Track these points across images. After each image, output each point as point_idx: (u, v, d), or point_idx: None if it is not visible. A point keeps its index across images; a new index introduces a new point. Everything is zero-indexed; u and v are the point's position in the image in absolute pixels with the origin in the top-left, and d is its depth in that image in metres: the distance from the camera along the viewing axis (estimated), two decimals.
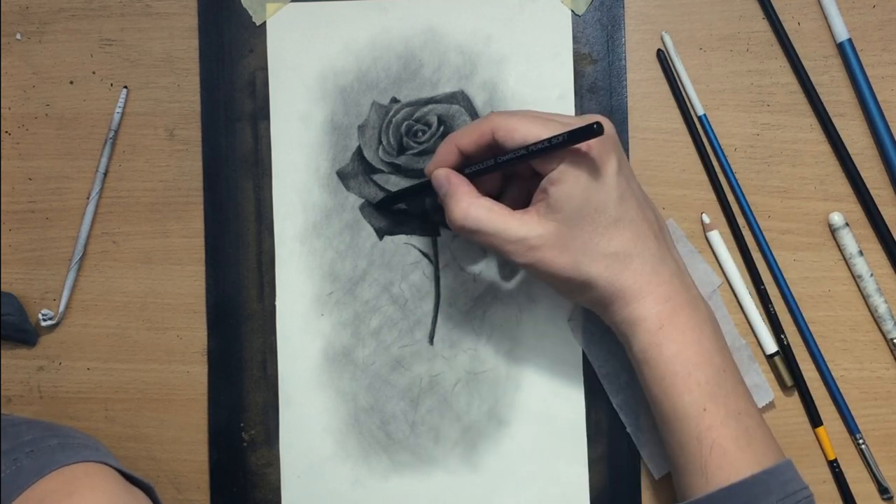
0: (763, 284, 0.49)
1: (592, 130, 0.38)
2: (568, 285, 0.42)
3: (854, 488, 0.49)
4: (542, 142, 0.40)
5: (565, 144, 0.39)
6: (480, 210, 0.42)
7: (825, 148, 0.49)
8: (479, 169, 0.43)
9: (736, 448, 0.41)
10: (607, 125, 0.41)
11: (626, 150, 0.49)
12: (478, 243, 0.43)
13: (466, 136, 0.43)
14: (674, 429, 0.42)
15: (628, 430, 0.49)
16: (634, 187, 0.43)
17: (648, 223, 0.42)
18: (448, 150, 0.44)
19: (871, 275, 0.48)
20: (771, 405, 0.49)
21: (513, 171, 0.46)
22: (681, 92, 0.50)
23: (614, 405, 0.49)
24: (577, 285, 0.42)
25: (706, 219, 0.49)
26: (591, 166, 0.40)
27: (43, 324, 0.51)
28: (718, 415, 0.41)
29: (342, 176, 0.51)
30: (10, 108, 0.52)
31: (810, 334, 0.49)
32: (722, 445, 0.41)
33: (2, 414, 0.48)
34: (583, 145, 0.40)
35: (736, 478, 0.40)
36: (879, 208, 0.49)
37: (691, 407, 0.41)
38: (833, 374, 0.49)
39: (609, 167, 0.41)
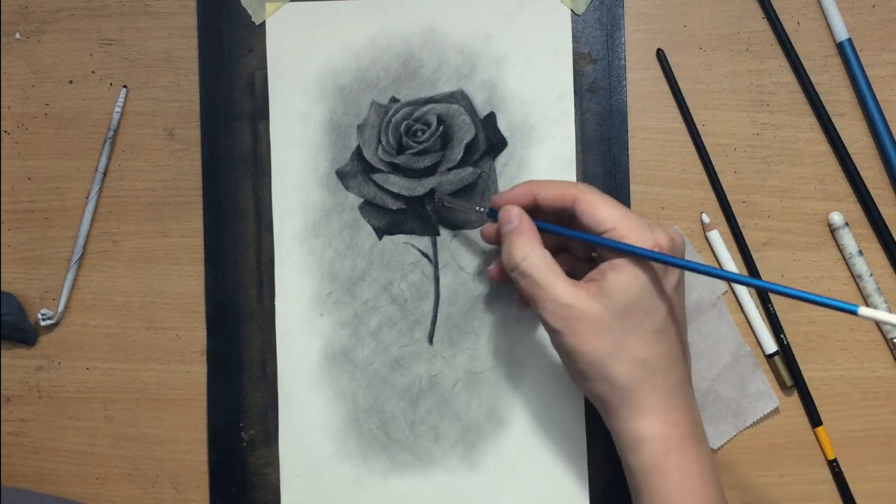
0: None
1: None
2: (585, 371, 0.41)
3: (854, 488, 0.49)
4: (625, 245, 0.40)
5: (644, 256, 0.40)
6: (540, 260, 0.41)
7: (825, 148, 0.49)
8: (550, 229, 0.43)
9: None
10: (683, 246, 0.42)
11: (626, 149, 0.49)
12: (521, 288, 0.42)
13: (549, 190, 0.43)
14: None
15: None
16: (681, 308, 0.43)
17: (681, 346, 0.42)
18: (525, 192, 0.44)
19: (871, 274, 0.48)
20: (774, 410, 0.49)
21: (566, 244, 0.46)
22: (680, 92, 0.50)
23: None
24: (593, 375, 0.41)
25: (706, 219, 0.49)
26: (654, 273, 0.40)
27: (42, 323, 0.51)
28: None
29: (341, 175, 0.51)
30: (9, 108, 0.52)
31: None
32: None
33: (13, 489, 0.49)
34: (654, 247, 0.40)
35: None
36: (879, 208, 0.49)
37: None
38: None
39: (670, 279, 0.41)
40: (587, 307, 0.40)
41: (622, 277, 0.40)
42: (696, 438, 0.42)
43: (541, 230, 0.43)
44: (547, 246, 0.44)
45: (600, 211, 0.41)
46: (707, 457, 0.42)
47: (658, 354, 0.41)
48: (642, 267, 0.40)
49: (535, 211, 0.44)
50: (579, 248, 0.46)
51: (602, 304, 0.40)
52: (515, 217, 0.43)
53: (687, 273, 0.49)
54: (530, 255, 0.42)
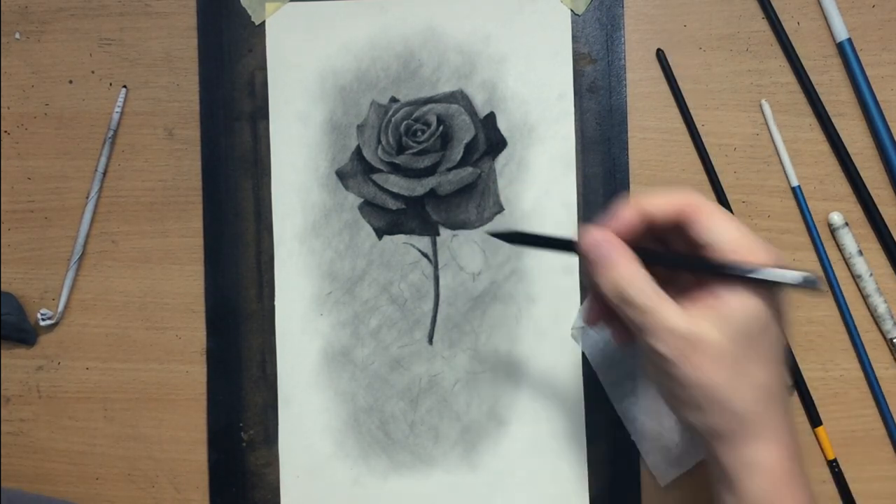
0: None
1: (811, 285, 0.36)
2: (697, 401, 0.37)
3: (854, 488, 0.49)
4: (747, 271, 0.36)
5: (763, 284, 0.36)
6: (646, 283, 0.37)
7: (825, 148, 0.49)
8: (658, 260, 0.39)
9: None
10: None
11: (626, 149, 0.49)
12: (622, 313, 0.38)
13: (659, 200, 0.38)
14: None
15: (633, 437, 0.49)
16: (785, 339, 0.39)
17: (784, 369, 0.39)
18: (629, 212, 0.39)
19: (871, 274, 0.48)
20: None
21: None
22: (680, 92, 0.50)
23: (618, 412, 0.49)
24: (708, 405, 0.37)
25: None
26: (778, 301, 0.37)
27: (42, 323, 0.51)
28: None
29: (341, 175, 0.50)
30: (9, 108, 0.52)
31: None
32: None
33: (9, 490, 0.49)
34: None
35: None
36: (879, 208, 0.49)
37: None
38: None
39: (786, 307, 0.38)
40: (708, 336, 0.36)
41: (743, 300, 0.36)
42: (802, 466, 0.38)
43: (648, 261, 0.38)
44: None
45: (716, 231, 0.37)
46: (808, 484, 0.39)
47: (778, 381, 0.38)
48: (763, 295, 0.36)
49: (649, 229, 0.39)
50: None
51: (721, 330, 0.36)
52: (599, 245, 0.38)
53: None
54: (635, 279, 0.37)
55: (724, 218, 0.37)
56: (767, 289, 0.36)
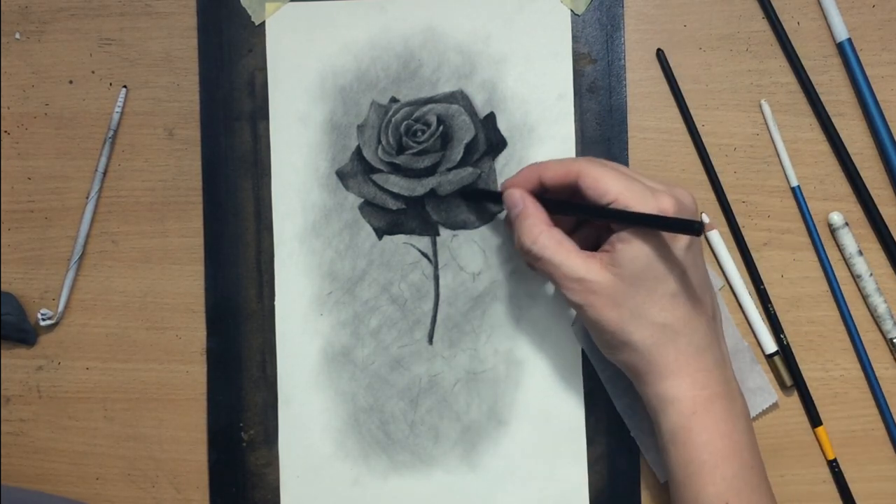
0: (763, 284, 0.49)
1: (692, 228, 0.38)
2: (609, 340, 0.42)
3: (854, 488, 0.49)
4: (631, 213, 0.40)
5: (653, 227, 0.40)
6: (550, 240, 0.42)
7: (825, 148, 0.49)
8: (557, 210, 0.44)
9: None
10: (693, 203, 0.42)
11: (626, 149, 0.49)
12: (537, 270, 0.43)
13: (552, 170, 0.43)
14: None
15: (632, 434, 0.49)
16: (700, 268, 0.43)
17: (703, 307, 0.42)
18: (529, 174, 0.44)
19: (871, 274, 0.48)
20: (773, 405, 0.49)
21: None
22: (680, 92, 0.50)
23: (618, 409, 0.49)
24: (617, 343, 0.42)
25: (706, 219, 0.49)
26: (664, 236, 0.40)
27: (42, 323, 0.51)
28: None
29: (341, 175, 0.50)
30: (9, 108, 0.52)
31: None
32: None
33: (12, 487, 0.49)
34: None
35: None
36: (879, 208, 0.49)
37: (714, 498, 0.40)
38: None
39: (680, 241, 0.41)
40: (601, 279, 0.41)
41: (631, 248, 0.40)
42: (728, 398, 0.42)
43: (552, 210, 0.43)
44: (568, 221, 0.46)
45: (602, 182, 0.41)
46: (739, 416, 0.42)
47: (677, 317, 0.41)
48: (647, 235, 0.40)
49: (544, 192, 0.44)
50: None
51: (614, 273, 0.41)
52: (519, 200, 0.44)
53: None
54: (539, 236, 0.42)
55: (608, 173, 0.41)
56: (651, 231, 0.40)
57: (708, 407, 0.41)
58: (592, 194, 0.41)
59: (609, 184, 0.41)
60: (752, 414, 0.49)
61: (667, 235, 0.40)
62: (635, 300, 0.41)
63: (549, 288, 0.50)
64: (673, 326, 0.41)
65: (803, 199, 0.49)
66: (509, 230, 0.48)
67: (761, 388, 0.49)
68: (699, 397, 0.41)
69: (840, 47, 0.49)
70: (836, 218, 0.49)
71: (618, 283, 0.41)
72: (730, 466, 0.41)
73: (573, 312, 0.50)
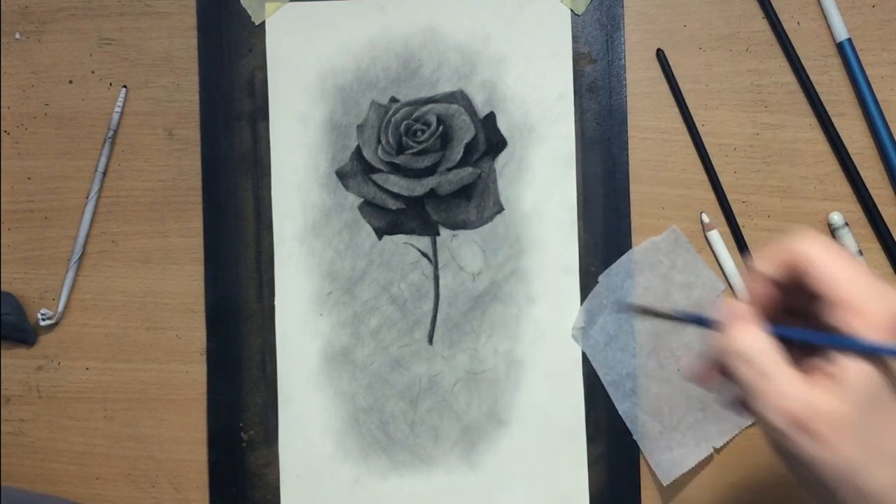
0: None
1: None
2: (828, 481, 0.33)
3: None
4: (865, 347, 0.32)
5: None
6: (768, 345, 0.33)
7: (825, 148, 0.49)
8: (789, 333, 0.34)
9: None
10: None
11: (626, 149, 0.49)
12: (740, 378, 0.34)
13: (771, 259, 0.35)
14: None
15: (635, 437, 0.49)
16: None
17: None
18: (760, 283, 0.35)
19: None
20: None
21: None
22: (680, 92, 0.50)
23: (620, 412, 0.49)
24: (839, 485, 0.32)
25: (706, 218, 0.49)
26: None
27: (42, 323, 0.51)
28: None
29: (341, 175, 0.50)
30: (9, 108, 0.52)
31: None
32: None
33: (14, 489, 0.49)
34: None
35: None
36: (879, 208, 0.49)
37: None
38: None
39: None
40: (828, 405, 0.32)
41: (865, 366, 0.32)
42: None
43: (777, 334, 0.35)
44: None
45: (836, 283, 0.33)
46: None
47: None
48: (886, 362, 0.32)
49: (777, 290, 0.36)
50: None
51: (845, 400, 0.32)
52: (735, 310, 0.35)
53: (686, 273, 0.49)
54: (756, 340, 0.33)
55: (835, 263, 0.33)
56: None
57: None
58: (814, 285, 0.33)
59: (844, 280, 0.33)
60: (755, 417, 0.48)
61: None
62: (871, 434, 0.32)
63: (549, 288, 0.50)
64: None
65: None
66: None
67: None
68: None
69: (840, 47, 0.49)
70: (836, 218, 0.49)
71: (850, 413, 0.32)
72: None
73: (573, 314, 0.50)
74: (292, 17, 0.51)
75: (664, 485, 0.49)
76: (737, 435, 0.49)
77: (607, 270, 0.49)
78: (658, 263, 0.49)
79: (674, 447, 0.48)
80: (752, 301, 0.35)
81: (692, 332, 0.49)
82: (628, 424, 0.49)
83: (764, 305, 0.35)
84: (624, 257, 0.49)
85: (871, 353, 0.32)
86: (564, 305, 0.50)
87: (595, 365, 0.49)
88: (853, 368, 0.32)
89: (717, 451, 0.49)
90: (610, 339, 0.49)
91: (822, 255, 0.33)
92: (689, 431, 0.48)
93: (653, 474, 0.49)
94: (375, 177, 0.50)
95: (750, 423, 0.49)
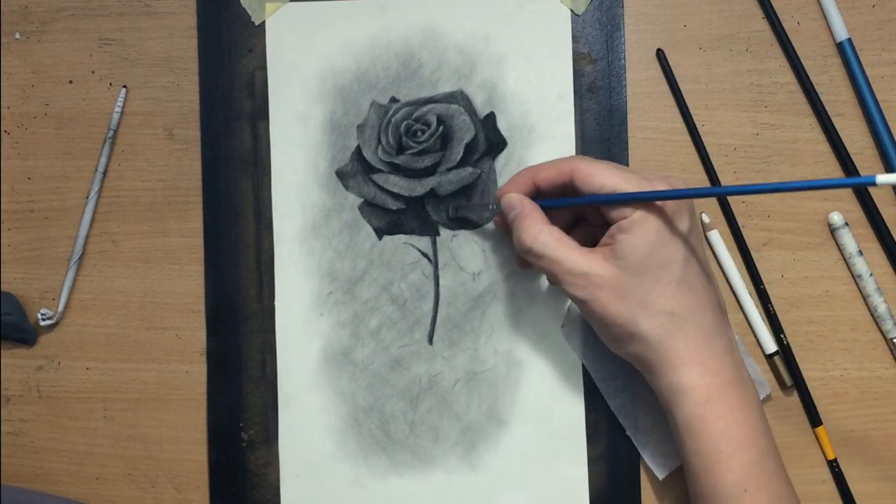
0: (762, 284, 0.49)
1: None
2: (617, 333, 0.42)
3: (854, 488, 0.49)
4: (629, 193, 0.41)
5: (646, 198, 0.40)
6: (550, 237, 0.42)
7: (825, 148, 0.49)
8: (555, 204, 0.44)
9: None
10: (680, 184, 0.42)
11: (626, 149, 0.49)
12: (540, 268, 0.43)
13: (545, 171, 0.44)
14: None
15: (628, 432, 0.49)
16: (701, 255, 0.43)
17: (709, 294, 0.42)
18: (524, 179, 0.45)
19: (871, 274, 0.48)
20: (770, 404, 0.49)
21: (582, 215, 0.46)
22: (680, 92, 0.50)
23: (612, 408, 0.49)
24: (625, 335, 0.42)
25: (706, 218, 0.49)
26: (664, 222, 0.41)
27: (42, 323, 0.51)
28: (760, 498, 0.40)
29: (341, 176, 0.50)
30: (9, 108, 0.52)
31: None
32: None
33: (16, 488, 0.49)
34: (659, 202, 0.41)
35: None
36: (879, 208, 0.49)
37: (733, 487, 0.40)
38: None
39: (681, 226, 0.41)
40: (604, 272, 0.41)
41: (632, 238, 0.40)
42: (740, 385, 0.42)
43: (545, 208, 0.44)
44: (563, 221, 0.46)
45: (597, 178, 0.41)
46: (752, 403, 0.42)
47: (684, 305, 0.41)
48: (648, 222, 0.40)
49: (539, 194, 0.45)
50: (594, 216, 0.46)
51: (617, 265, 0.41)
52: (517, 203, 0.44)
53: None
54: (539, 234, 0.42)
55: (602, 168, 0.42)
56: (649, 219, 0.40)
57: (721, 394, 0.41)
58: (588, 189, 0.42)
59: (604, 177, 0.41)
60: None
61: (667, 222, 0.41)
62: (640, 290, 0.41)
63: (549, 288, 0.50)
64: (680, 314, 0.41)
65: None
66: (506, 232, 0.48)
67: (755, 381, 0.48)
68: (712, 385, 0.41)
69: (840, 47, 0.49)
70: (836, 218, 0.49)
71: (621, 275, 0.41)
72: (747, 454, 0.40)
73: (566, 313, 0.50)
74: (292, 17, 0.51)
75: (660, 478, 0.49)
76: None
77: None
78: None
79: (667, 440, 0.48)
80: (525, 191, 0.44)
81: None
82: (620, 420, 0.49)
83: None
84: None
85: (625, 201, 0.41)
86: (564, 305, 0.50)
87: (585, 362, 0.49)
88: (623, 239, 0.41)
89: None
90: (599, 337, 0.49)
91: (590, 163, 0.42)
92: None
93: (652, 472, 0.49)
94: (375, 177, 0.50)
95: None
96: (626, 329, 0.41)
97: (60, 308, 0.51)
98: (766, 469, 0.41)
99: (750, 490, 0.40)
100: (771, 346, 0.49)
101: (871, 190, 0.49)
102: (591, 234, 0.46)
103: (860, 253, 0.49)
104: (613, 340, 0.43)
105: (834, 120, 0.49)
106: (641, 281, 0.41)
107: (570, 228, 0.47)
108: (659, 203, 0.41)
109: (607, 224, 0.42)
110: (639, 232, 0.40)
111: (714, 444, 0.41)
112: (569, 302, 0.50)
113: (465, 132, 0.50)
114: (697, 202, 0.49)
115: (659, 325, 0.41)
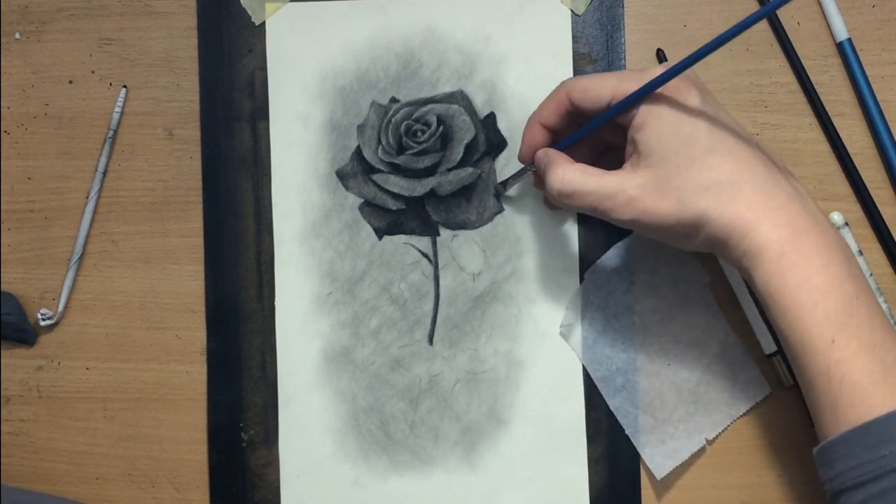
0: None
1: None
2: (679, 231, 0.40)
3: None
4: (634, 93, 0.40)
5: (648, 90, 0.40)
6: (575, 173, 0.41)
7: (825, 147, 0.49)
8: (570, 140, 0.44)
9: (870, 383, 0.36)
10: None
11: None
12: (579, 208, 0.42)
13: (545, 110, 0.44)
14: (802, 364, 0.38)
15: (627, 432, 0.49)
16: (726, 120, 0.41)
17: (750, 150, 0.40)
18: (533, 131, 0.45)
19: (871, 275, 0.48)
20: (770, 404, 0.49)
21: (605, 144, 0.46)
22: None
23: (612, 408, 0.49)
24: (688, 228, 0.40)
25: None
26: (672, 101, 0.40)
27: (42, 323, 0.51)
28: (849, 347, 0.37)
29: (341, 176, 0.51)
30: (9, 108, 0.52)
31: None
32: (853, 380, 0.36)
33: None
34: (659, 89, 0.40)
35: (869, 416, 0.36)
36: (879, 208, 0.49)
37: (819, 340, 0.37)
38: None
39: (691, 98, 0.40)
40: (638, 179, 0.40)
41: (649, 130, 0.40)
42: (815, 231, 0.39)
43: (566, 148, 0.44)
44: (588, 156, 0.46)
45: (593, 89, 0.42)
46: (833, 247, 0.39)
47: (728, 171, 0.39)
48: (657, 109, 0.40)
49: (556, 135, 0.45)
50: (614, 137, 0.45)
51: (647, 165, 0.40)
52: (542, 157, 0.44)
53: (672, 266, 0.49)
54: (564, 175, 0.41)
55: (595, 80, 0.42)
56: (656, 107, 0.40)
57: (796, 245, 0.38)
58: (591, 105, 0.42)
59: (600, 87, 0.41)
60: (746, 407, 0.49)
61: (675, 102, 0.40)
62: (678, 177, 0.39)
63: (550, 288, 0.50)
64: (728, 180, 0.39)
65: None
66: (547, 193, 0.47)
67: (754, 381, 0.49)
68: (784, 238, 0.38)
69: (840, 47, 0.49)
70: (836, 218, 0.49)
71: (655, 172, 0.40)
72: (831, 302, 0.38)
73: (566, 313, 0.50)
74: (292, 17, 0.51)
75: (658, 478, 0.48)
76: (729, 425, 0.49)
77: (592, 267, 0.49)
78: (644, 257, 0.49)
79: (666, 440, 0.48)
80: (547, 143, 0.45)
81: (680, 325, 0.49)
82: (620, 420, 0.49)
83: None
84: (609, 253, 0.49)
85: (626, 105, 0.40)
86: (564, 305, 0.50)
87: (584, 361, 0.49)
88: (642, 136, 0.40)
89: (710, 442, 0.49)
90: (598, 336, 0.49)
91: (578, 80, 0.42)
92: (681, 424, 0.48)
93: (645, 467, 0.49)
94: (375, 177, 0.50)
95: (742, 413, 0.49)
96: (685, 220, 0.39)
97: (60, 308, 0.51)
98: (854, 316, 0.38)
99: (838, 340, 0.37)
100: (771, 345, 0.49)
101: (872, 190, 0.49)
102: (618, 159, 0.44)
103: (860, 253, 0.49)
104: (683, 240, 0.41)
105: (834, 120, 0.49)
106: (675, 167, 0.39)
107: (597, 159, 0.47)
108: (659, 90, 0.40)
109: (626, 138, 0.42)
110: (652, 122, 0.40)
111: (794, 298, 0.38)
112: (569, 302, 0.50)
113: (465, 132, 0.50)
114: None
115: (712, 198, 0.39)
